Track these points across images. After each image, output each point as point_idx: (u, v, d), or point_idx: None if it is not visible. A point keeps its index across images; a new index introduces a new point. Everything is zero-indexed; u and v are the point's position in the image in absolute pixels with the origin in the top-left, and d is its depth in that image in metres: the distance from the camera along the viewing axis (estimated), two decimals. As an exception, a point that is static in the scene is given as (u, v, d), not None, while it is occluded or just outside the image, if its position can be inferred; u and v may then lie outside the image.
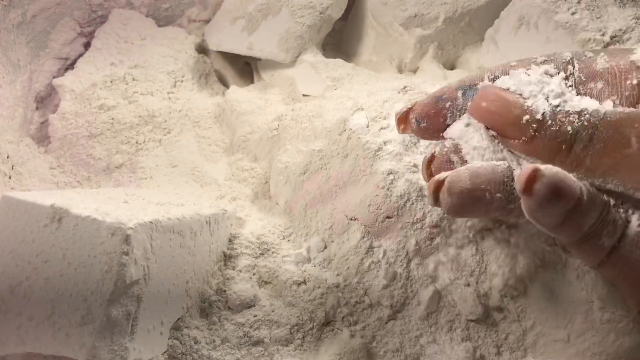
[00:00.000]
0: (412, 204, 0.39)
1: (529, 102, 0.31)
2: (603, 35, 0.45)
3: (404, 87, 0.44)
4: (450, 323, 0.39)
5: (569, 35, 0.45)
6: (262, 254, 0.41)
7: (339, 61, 0.52)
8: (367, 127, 0.42)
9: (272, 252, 0.41)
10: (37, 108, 0.54)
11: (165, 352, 0.35)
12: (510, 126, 0.32)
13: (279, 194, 0.45)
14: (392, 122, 0.42)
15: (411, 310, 0.39)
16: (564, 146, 0.31)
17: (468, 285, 0.39)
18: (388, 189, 0.39)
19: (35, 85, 0.53)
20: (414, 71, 0.56)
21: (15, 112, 0.50)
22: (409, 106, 0.36)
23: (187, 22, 0.60)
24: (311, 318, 0.39)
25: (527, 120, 0.31)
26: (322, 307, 0.39)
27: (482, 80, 0.35)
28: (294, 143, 0.46)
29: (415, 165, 0.40)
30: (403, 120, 0.36)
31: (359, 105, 0.43)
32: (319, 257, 0.41)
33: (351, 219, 0.41)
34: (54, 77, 0.53)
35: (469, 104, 0.33)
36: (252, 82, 0.57)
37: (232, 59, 0.58)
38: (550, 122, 0.31)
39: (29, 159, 0.49)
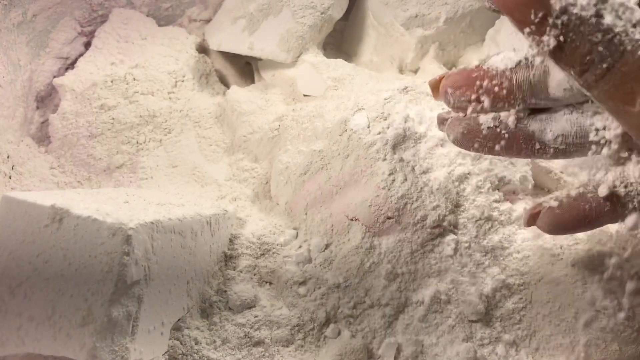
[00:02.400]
0: (413, 204, 0.39)
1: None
2: None
3: (405, 88, 0.44)
4: (452, 324, 0.39)
5: None
6: (262, 254, 0.41)
7: (339, 61, 0.52)
8: (368, 127, 0.42)
9: (273, 253, 0.41)
10: (37, 108, 0.54)
11: (165, 352, 0.35)
12: (534, 24, 0.26)
13: (280, 194, 0.45)
14: (393, 122, 0.41)
15: (412, 311, 0.39)
16: (578, 67, 0.26)
17: (470, 285, 0.39)
18: (389, 190, 0.39)
19: (35, 85, 0.53)
20: (415, 71, 0.56)
21: (16, 112, 0.50)
22: (441, 75, 0.33)
23: (187, 22, 0.60)
24: (312, 318, 0.39)
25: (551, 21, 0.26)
26: (322, 308, 0.39)
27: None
28: (294, 143, 0.45)
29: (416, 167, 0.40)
30: (436, 86, 0.33)
31: (360, 105, 0.43)
32: (320, 257, 0.41)
33: (352, 220, 0.40)
34: (55, 77, 0.52)
35: None
36: (252, 82, 0.57)
37: (232, 58, 0.58)
38: (571, 33, 0.26)
39: (29, 159, 0.49)
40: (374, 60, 0.56)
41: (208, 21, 0.60)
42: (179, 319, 0.36)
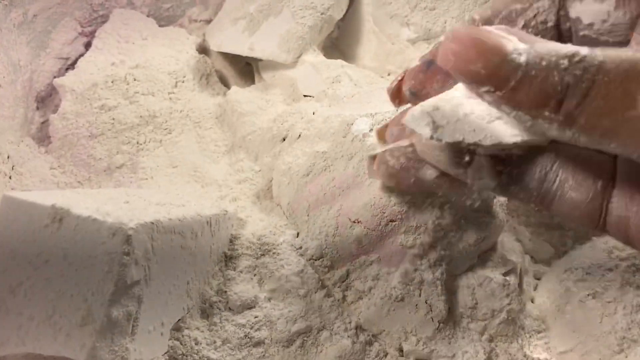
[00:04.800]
0: (416, 208, 0.39)
1: (509, 46, 0.24)
2: None
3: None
4: (461, 327, 0.39)
5: None
6: (263, 254, 0.41)
7: (340, 62, 0.52)
8: (371, 129, 0.41)
9: (273, 253, 0.41)
10: (37, 108, 0.54)
11: (165, 352, 0.35)
12: (487, 76, 0.25)
13: (282, 195, 0.44)
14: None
15: (418, 313, 0.39)
16: (552, 101, 0.24)
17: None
18: (392, 193, 0.39)
19: (36, 85, 0.53)
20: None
21: (16, 112, 0.50)
22: (399, 78, 0.32)
23: (188, 22, 0.60)
24: (312, 320, 0.39)
25: (509, 68, 0.24)
26: (322, 310, 0.39)
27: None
28: (297, 144, 0.45)
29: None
30: (396, 94, 0.33)
31: (362, 106, 0.43)
32: (320, 259, 0.41)
33: (354, 222, 0.40)
34: (55, 77, 0.52)
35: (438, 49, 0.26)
36: (253, 82, 0.57)
37: (233, 59, 0.58)
38: (533, 71, 0.24)
39: (30, 159, 0.49)
40: (374, 65, 0.56)
41: (208, 22, 0.60)
42: (179, 319, 0.36)
